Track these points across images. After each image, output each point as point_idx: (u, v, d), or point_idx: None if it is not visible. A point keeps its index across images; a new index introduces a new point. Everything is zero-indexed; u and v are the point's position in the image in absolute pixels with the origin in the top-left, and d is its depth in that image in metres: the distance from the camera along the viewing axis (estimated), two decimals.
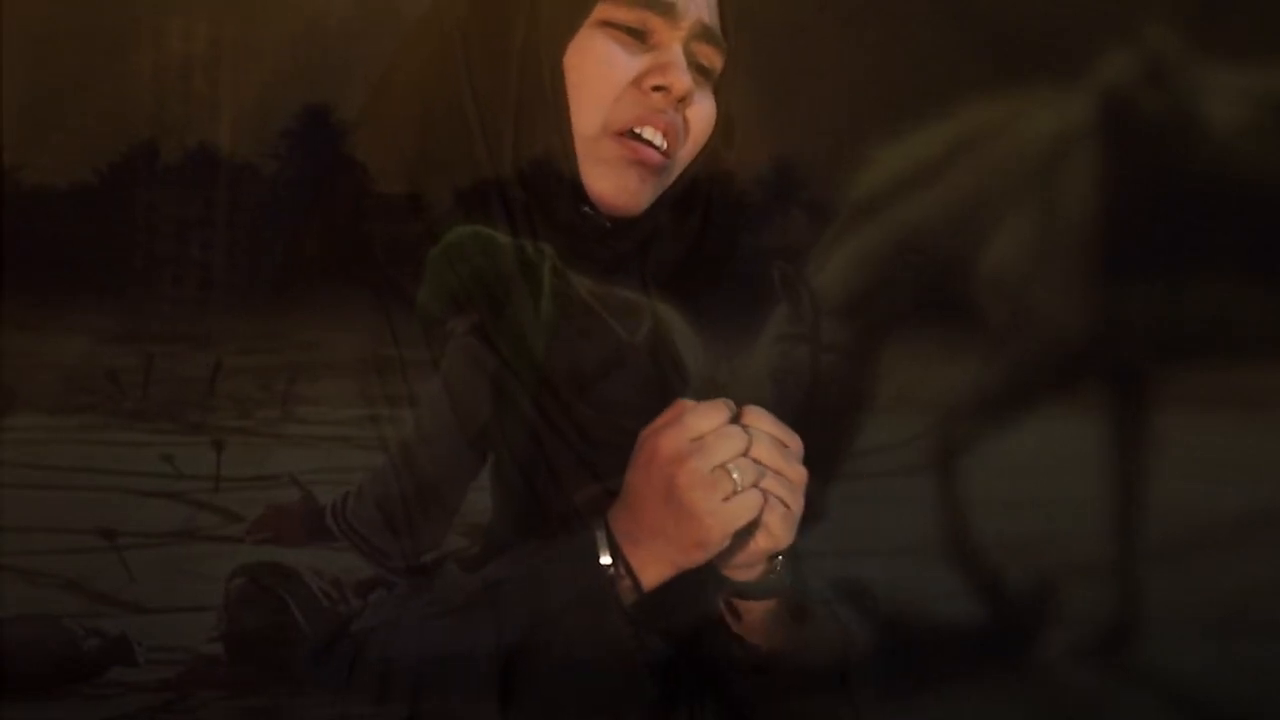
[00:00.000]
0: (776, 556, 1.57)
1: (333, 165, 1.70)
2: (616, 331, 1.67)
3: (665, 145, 1.61)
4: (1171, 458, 2.72)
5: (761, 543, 1.53)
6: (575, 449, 1.64)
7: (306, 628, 1.56)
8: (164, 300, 2.59)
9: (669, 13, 1.58)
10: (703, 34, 1.61)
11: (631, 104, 1.59)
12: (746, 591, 1.57)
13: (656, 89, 1.59)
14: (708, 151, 1.68)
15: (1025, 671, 2.60)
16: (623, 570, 1.51)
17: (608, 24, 1.59)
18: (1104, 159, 2.60)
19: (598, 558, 1.51)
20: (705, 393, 1.55)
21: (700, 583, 1.55)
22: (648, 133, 1.60)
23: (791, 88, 2.40)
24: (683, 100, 1.60)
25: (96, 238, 2.62)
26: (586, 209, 1.61)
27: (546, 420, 1.64)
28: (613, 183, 1.60)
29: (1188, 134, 2.63)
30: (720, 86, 1.66)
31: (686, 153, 1.64)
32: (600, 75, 1.58)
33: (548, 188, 1.59)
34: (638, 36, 1.59)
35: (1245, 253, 2.62)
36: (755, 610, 1.59)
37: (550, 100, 1.58)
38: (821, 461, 1.65)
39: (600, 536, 1.52)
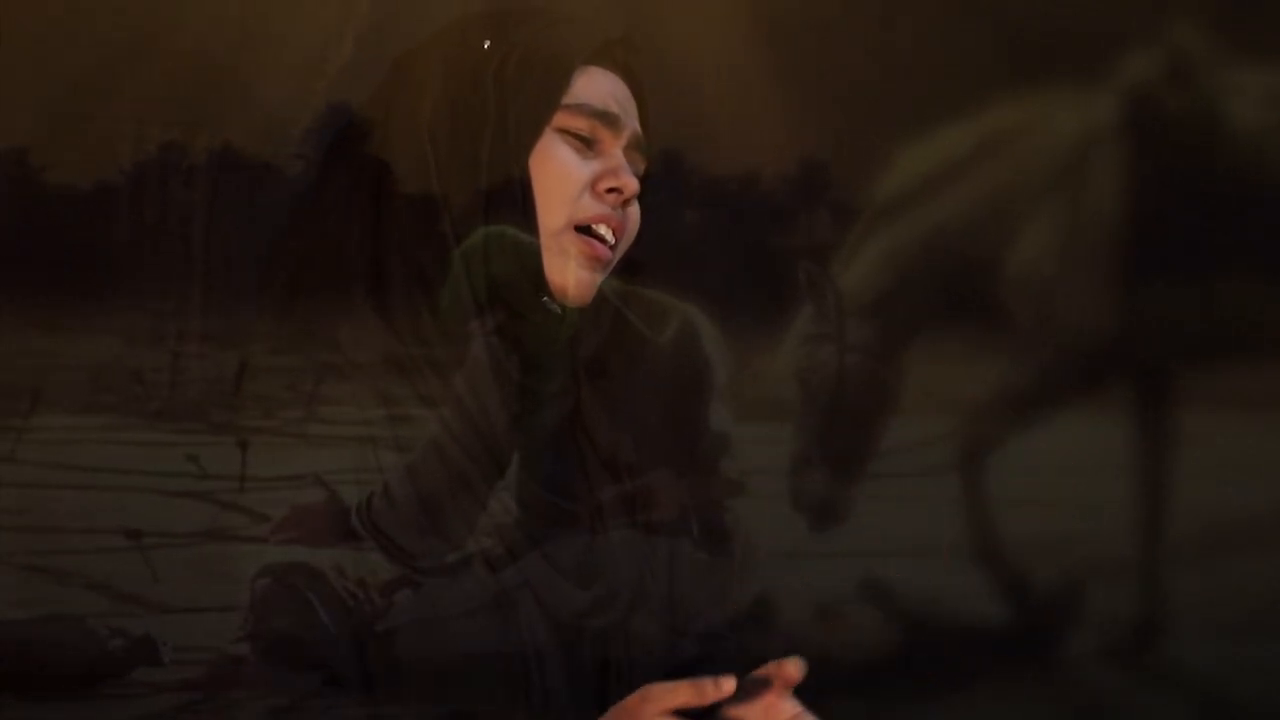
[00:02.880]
0: None
1: (357, 165, 1.71)
2: (642, 332, 1.69)
3: (614, 241, 1.70)
4: (1196, 458, 2.72)
5: None
6: (598, 448, 1.65)
7: (332, 628, 1.57)
8: (188, 300, 2.59)
9: (614, 124, 1.71)
10: (635, 143, 1.73)
11: (589, 204, 1.69)
12: None
13: (610, 190, 1.69)
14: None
15: (1050, 671, 2.59)
16: None
17: (564, 131, 1.69)
18: (1129, 159, 2.60)
19: None
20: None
21: None
22: (602, 229, 1.69)
23: (818, 89, 2.41)
24: (628, 201, 1.70)
25: (121, 238, 2.62)
26: (546, 299, 1.66)
27: (569, 420, 1.65)
28: (572, 277, 1.69)
29: (1213, 133, 2.62)
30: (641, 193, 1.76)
31: (621, 248, 1.71)
32: (564, 176, 1.69)
33: (511, 279, 1.64)
34: (587, 144, 1.70)
35: (1271, 252, 2.62)
36: None
37: (520, 200, 1.66)
38: (847, 462, 1.65)
39: None
